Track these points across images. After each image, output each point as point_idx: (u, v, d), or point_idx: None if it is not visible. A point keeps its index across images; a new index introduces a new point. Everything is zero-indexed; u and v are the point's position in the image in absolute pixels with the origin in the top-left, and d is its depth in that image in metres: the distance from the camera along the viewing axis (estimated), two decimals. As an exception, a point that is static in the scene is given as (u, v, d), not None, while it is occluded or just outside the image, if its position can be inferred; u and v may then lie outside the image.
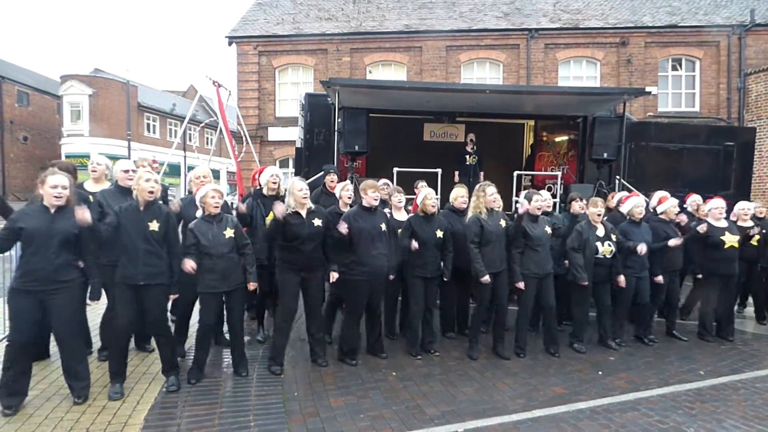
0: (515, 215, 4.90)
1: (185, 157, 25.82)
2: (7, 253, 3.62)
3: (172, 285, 3.85)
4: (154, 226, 3.76)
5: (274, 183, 4.91)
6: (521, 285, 4.91)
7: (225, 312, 4.22)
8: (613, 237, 5.26)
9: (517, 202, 7.10)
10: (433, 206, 4.84)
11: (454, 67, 17.70)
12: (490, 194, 4.86)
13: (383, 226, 4.45)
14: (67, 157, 27.36)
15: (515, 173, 8.68)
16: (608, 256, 5.22)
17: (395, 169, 7.85)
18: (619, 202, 6.12)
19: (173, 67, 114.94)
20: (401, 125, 9.70)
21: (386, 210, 4.93)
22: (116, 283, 3.74)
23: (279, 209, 3.93)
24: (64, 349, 3.65)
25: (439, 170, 8.06)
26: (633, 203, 5.60)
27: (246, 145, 9.85)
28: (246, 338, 5.33)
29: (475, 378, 4.56)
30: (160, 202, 3.96)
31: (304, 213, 4.14)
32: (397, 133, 9.70)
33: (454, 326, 5.77)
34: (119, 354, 3.94)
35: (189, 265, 3.75)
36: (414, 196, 5.24)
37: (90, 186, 4.66)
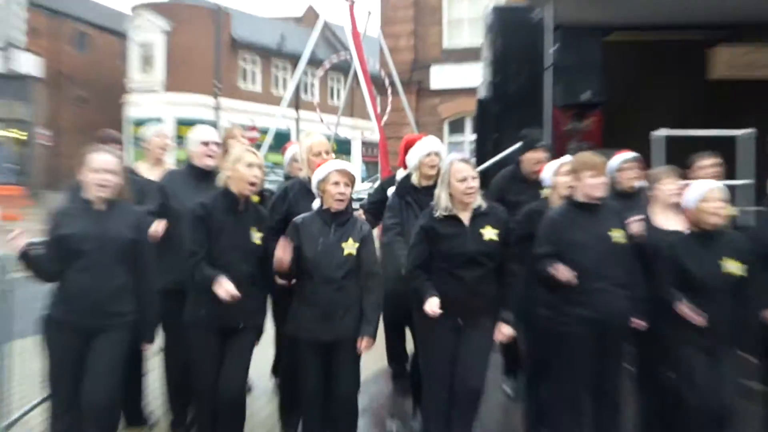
0: None
1: (298, 120, 18.56)
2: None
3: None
4: (257, 236, 3.19)
5: (432, 166, 3.73)
6: None
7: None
8: None
9: None
10: (718, 216, 3.44)
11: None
12: None
13: (615, 235, 3.36)
14: (135, 124, 21.10)
15: None
16: None
17: (655, 133, 5.55)
18: None
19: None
20: (665, 53, 7.21)
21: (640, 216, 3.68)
22: (191, 326, 3.24)
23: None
24: (92, 416, 3.01)
25: (750, 131, 5.50)
26: None
27: (394, 99, 8.24)
28: (393, 426, 4.09)
29: None
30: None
31: (466, 217, 3.32)
32: (659, 69, 7.35)
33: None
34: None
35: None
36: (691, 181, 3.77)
37: (144, 170, 4.08)
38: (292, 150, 4.36)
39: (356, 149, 24.59)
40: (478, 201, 3.31)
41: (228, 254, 3.07)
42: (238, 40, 24.21)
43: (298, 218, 3.27)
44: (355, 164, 23.46)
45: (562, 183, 3.64)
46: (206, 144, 3.68)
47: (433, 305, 3.15)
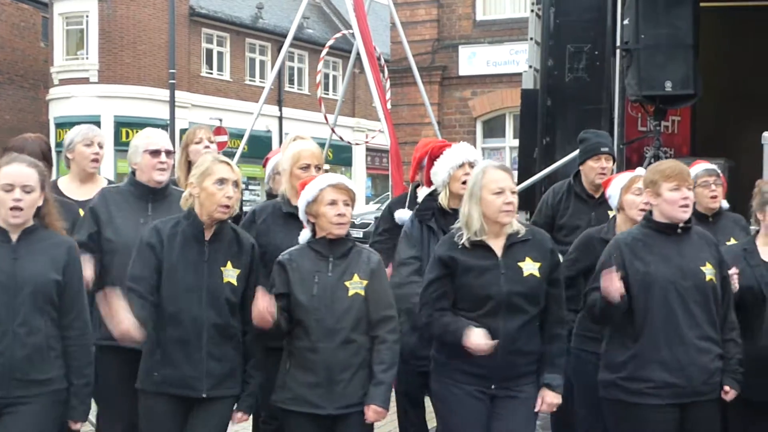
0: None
1: (281, 118, 16.91)
2: None
3: (247, 397, 2.82)
4: (230, 273, 2.78)
5: (466, 182, 3.33)
6: None
7: None
8: None
9: None
10: None
11: None
12: None
13: (708, 272, 2.95)
14: (58, 126, 17.97)
15: None
16: None
17: (768, 135, 4.93)
18: None
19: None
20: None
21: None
22: (144, 395, 2.78)
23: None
24: None
25: None
26: None
27: (409, 88, 7.69)
28: None
29: None
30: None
31: (499, 246, 2.95)
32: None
33: None
34: None
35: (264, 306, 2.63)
36: None
37: (71, 188, 3.65)
38: (275, 160, 4.02)
39: (359, 158, 19.62)
40: (515, 224, 2.96)
41: (184, 298, 2.70)
42: (200, 11, 19.00)
43: (285, 254, 2.94)
44: (359, 178, 18.77)
45: (633, 203, 3.30)
46: (155, 153, 3.26)
47: (478, 336, 2.75)
